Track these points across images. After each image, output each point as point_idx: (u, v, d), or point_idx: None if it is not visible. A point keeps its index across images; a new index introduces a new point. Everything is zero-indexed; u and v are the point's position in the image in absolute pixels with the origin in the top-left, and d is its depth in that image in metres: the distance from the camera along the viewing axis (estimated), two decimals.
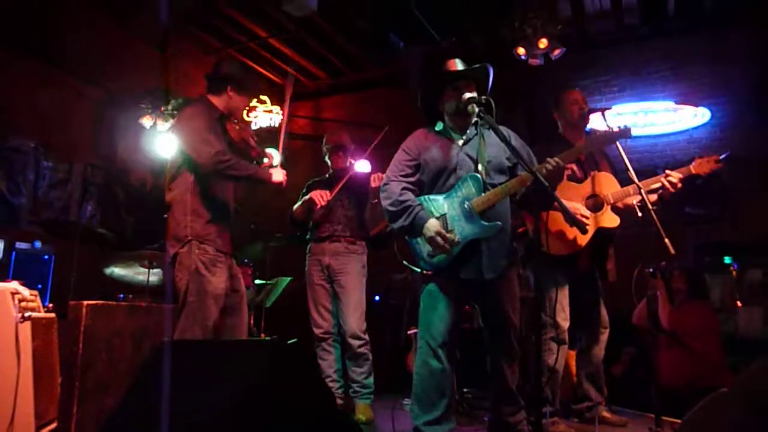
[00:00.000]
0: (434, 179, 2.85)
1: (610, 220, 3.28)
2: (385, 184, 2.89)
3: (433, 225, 2.70)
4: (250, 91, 3.34)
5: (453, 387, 2.87)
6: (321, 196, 3.80)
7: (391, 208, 2.81)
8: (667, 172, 3.20)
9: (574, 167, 3.36)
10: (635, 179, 3.11)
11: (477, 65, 2.87)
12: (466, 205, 2.72)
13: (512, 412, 2.80)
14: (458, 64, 2.92)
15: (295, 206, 4.01)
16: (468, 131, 2.90)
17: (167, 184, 3.06)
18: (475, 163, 2.79)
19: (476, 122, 2.88)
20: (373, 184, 3.67)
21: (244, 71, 3.42)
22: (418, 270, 2.85)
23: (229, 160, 2.92)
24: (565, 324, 3.32)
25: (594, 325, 3.49)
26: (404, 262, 2.90)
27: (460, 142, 2.88)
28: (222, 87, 3.12)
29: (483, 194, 2.70)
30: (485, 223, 2.69)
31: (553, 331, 3.28)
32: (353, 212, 3.99)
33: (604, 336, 3.50)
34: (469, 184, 2.74)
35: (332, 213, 3.98)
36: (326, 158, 4.19)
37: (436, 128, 2.97)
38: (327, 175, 4.16)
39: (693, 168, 3.24)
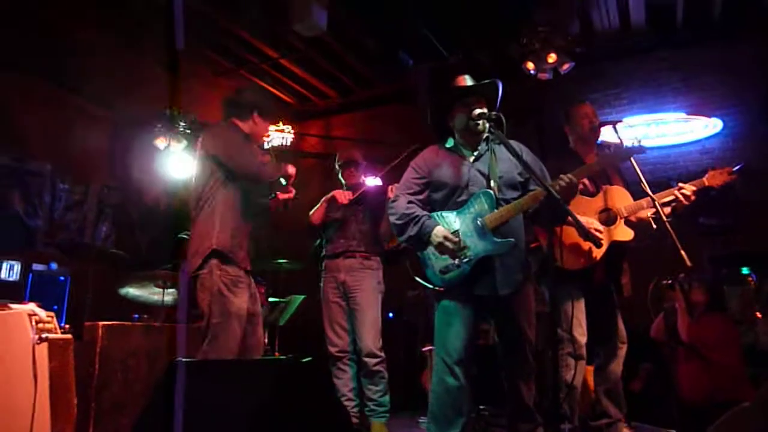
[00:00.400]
0: (446, 197, 2.85)
1: (624, 233, 3.25)
2: (393, 201, 2.91)
3: (440, 231, 2.70)
4: (273, 117, 3.45)
5: (469, 405, 2.85)
6: (343, 194, 3.83)
7: (397, 222, 2.83)
8: (681, 184, 3.18)
9: (586, 181, 3.34)
10: (649, 191, 3.09)
11: (486, 81, 2.88)
12: (478, 222, 2.72)
13: (529, 429, 2.76)
14: (467, 80, 2.94)
15: (312, 211, 4.03)
16: (479, 147, 2.90)
17: (196, 202, 3.08)
18: (487, 180, 2.79)
19: (487, 138, 2.88)
20: (390, 195, 3.61)
21: (268, 98, 3.53)
22: (431, 287, 2.83)
23: (268, 165, 3.14)
24: (582, 339, 3.28)
25: (611, 340, 3.44)
26: (416, 278, 2.87)
27: (471, 159, 2.88)
28: (248, 113, 3.23)
29: (496, 210, 2.70)
30: (498, 240, 2.69)
31: (570, 347, 3.24)
32: (367, 227, 3.98)
33: (622, 351, 3.45)
34: (481, 201, 2.74)
35: (346, 228, 3.98)
36: (339, 176, 4.21)
37: (447, 145, 2.97)
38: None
39: (706, 180, 3.21)
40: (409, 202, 2.86)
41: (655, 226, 3.10)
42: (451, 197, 2.84)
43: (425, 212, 2.81)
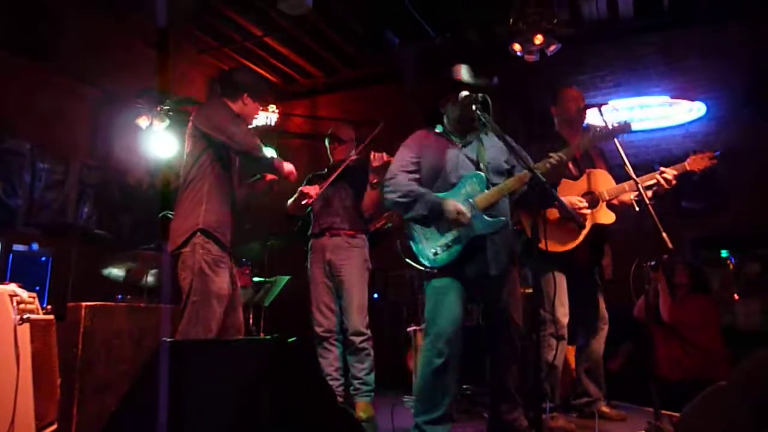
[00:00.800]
0: (434, 178, 2.88)
1: (606, 216, 3.30)
2: (390, 179, 2.92)
3: (452, 204, 2.73)
4: (262, 100, 3.42)
5: (456, 386, 2.88)
6: (309, 191, 3.79)
7: (402, 200, 2.84)
8: (662, 168, 3.21)
9: (570, 165, 3.37)
10: (632, 174, 3.12)
11: (486, 82, 2.91)
12: (470, 202, 2.77)
13: (509, 410, 2.82)
14: (465, 72, 2.93)
15: (289, 201, 3.99)
16: (468, 136, 2.95)
17: (183, 179, 3.06)
18: (476, 164, 2.86)
19: (475, 127, 2.90)
20: (374, 163, 3.58)
21: (259, 80, 3.50)
22: (422, 268, 2.85)
23: (260, 142, 3.07)
24: (564, 320, 3.33)
25: (593, 321, 3.50)
26: (407, 260, 2.88)
27: (460, 145, 2.94)
28: (238, 93, 3.20)
29: (486, 192, 2.77)
30: (489, 219, 2.74)
31: (552, 327, 3.29)
32: (351, 203, 3.93)
33: (603, 332, 3.52)
34: (473, 182, 2.80)
35: (329, 205, 3.94)
36: (328, 152, 4.19)
37: (437, 130, 3.02)
38: (326, 169, 4.13)
39: (687, 165, 3.25)
40: (410, 179, 2.88)
41: (637, 209, 3.14)
42: (437, 180, 2.87)
43: (426, 189, 2.84)
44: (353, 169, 3.90)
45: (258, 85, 3.38)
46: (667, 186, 3.18)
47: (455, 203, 2.73)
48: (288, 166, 3.22)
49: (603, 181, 3.36)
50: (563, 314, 3.33)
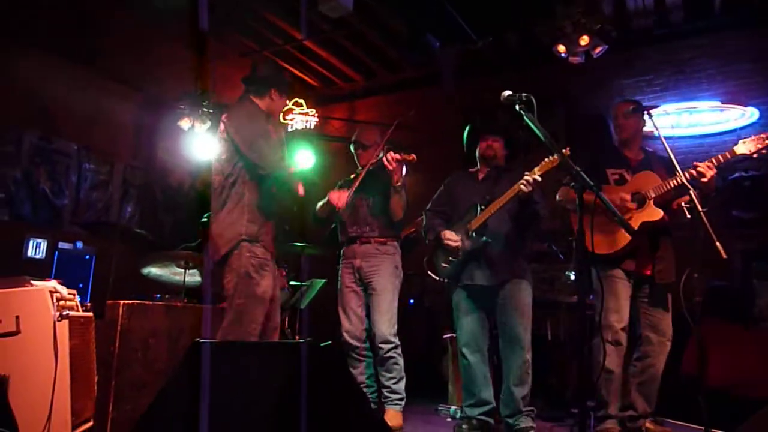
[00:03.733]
0: (454, 211, 3.65)
1: (652, 213, 3.19)
2: (424, 215, 3.77)
3: (445, 233, 3.54)
4: (289, 93, 3.39)
5: (489, 379, 3.51)
6: (339, 197, 3.74)
7: (423, 230, 3.76)
8: (695, 163, 3.06)
9: (623, 172, 3.31)
10: (679, 170, 3.01)
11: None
12: (466, 227, 3.49)
13: (509, 415, 3.34)
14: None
15: (318, 205, 3.96)
16: (488, 172, 3.65)
17: (222, 183, 3.05)
18: (483, 197, 3.47)
19: (496, 166, 3.63)
20: (388, 167, 3.54)
21: (282, 73, 3.46)
22: (437, 278, 3.69)
23: (287, 168, 3.07)
24: (617, 324, 3.21)
25: (654, 332, 3.31)
26: (429, 272, 3.77)
27: (480, 180, 3.65)
28: (265, 89, 3.19)
29: (477, 215, 3.43)
30: (474, 238, 3.44)
31: (607, 333, 3.19)
32: (380, 210, 3.84)
33: (664, 347, 3.28)
34: (471, 212, 3.50)
35: (357, 213, 3.88)
36: (355, 159, 4.13)
37: (470, 170, 3.75)
38: (353, 175, 4.05)
39: (737, 149, 3.06)
40: (433, 214, 3.73)
41: (688, 216, 2.99)
42: (456, 212, 3.63)
43: (441, 221, 3.66)
44: (377, 174, 3.78)
45: (283, 78, 3.35)
46: (707, 178, 3.00)
47: (447, 232, 3.53)
48: (301, 189, 3.20)
49: (647, 180, 3.25)
50: (617, 320, 3.21)
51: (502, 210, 3.34)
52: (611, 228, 3.14)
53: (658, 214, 3.18)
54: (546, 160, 3.09)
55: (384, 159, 3.56)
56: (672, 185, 3.12)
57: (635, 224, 3.14)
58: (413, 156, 3.54)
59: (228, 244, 2.93)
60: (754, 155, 3.07)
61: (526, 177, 3.15)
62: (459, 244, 3.45)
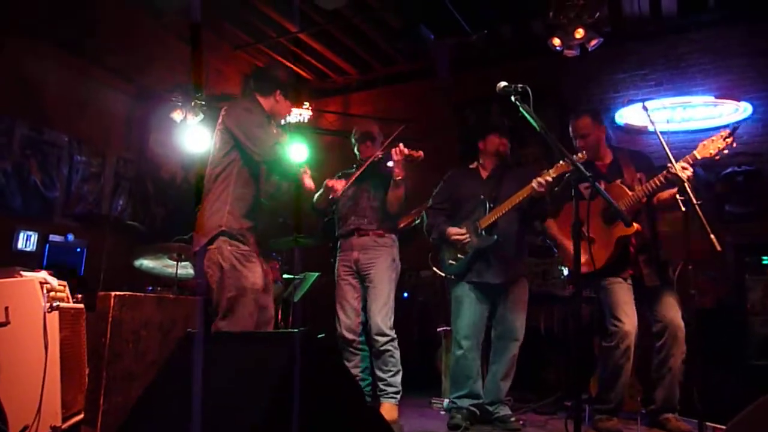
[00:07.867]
0: (457, 209, 3.67)
1: (624, 228, 3.18)
2: (426, 213, 3.83)
3: (451, 230, 3.57)
4: (294, 99, 3.37)
5: (480, 373, 3.59)
6: (335, 185, 3.72)
7: (426, 229, 3.77)
8: (669, 165, 3.04)
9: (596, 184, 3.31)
10: (673, 161, 2.99)
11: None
12: (476, 224, 3.53)
13: (491, 403, 3.50)
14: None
15: (316, 195, 3.93)
16: (494, 170, 3.69)
17: (210, 174, 3.03)
18: (489, 194, 3.54)
19: (500, 163, 3.70)
20: (395, 157, 3.54)
21: (293, 78, 3.46)
22: (444, 275, 3.73)
23: (284, 152, 3.05)
24: (626, 328, 3.22)
25: (662, 326, 3.30)
26: (434, 269, 3.84)
27: (485, 178, 3.69)
28: (271, 90, 3.16)
29: (487, 214, 3.49)
30: (485, 236, 3.48)
31: (615, 337, 3.23)
32: (379, 203, 3.84)
33: (677, 340, 3.25)
34: (480, 209, 3.55)
35: (357, 205, 3.87)
36: (355, 149, 4.11)
37: (470, 166, 3.80)
38: (354, 166, 4.04)
39: (698, 153, 3.06)
40: (436, 212, 3.75)
41: (683, 209, 2.97)
42: (461, 209, 3.65)
43: (444, 219, 3.67)
44: (379, 168, 3.80)
45: (292, 84, 3.34)
46: (681, 178, 2.97)
47: (453, 228, 3.57)
48: (308, 182, 3.19)
49: (620, 194, 3.26)
50: (626, 323, 3.22)
51: (511, 209, 3.41)
52: (587, 247, 3.13)
53: (631, 228, 3.15)
54: (561, 162, 3.13)
55: (393, 150, 3.56)
56: (639, 195, 3.19)
57: (611, 241, 3.22)
58: (421, 153, 3.54)
59: (207, 234, 2.89)
60: (717, 158, 3.07)
61: (538, 179, 3.21)
62: (467, 238, 3.49)
